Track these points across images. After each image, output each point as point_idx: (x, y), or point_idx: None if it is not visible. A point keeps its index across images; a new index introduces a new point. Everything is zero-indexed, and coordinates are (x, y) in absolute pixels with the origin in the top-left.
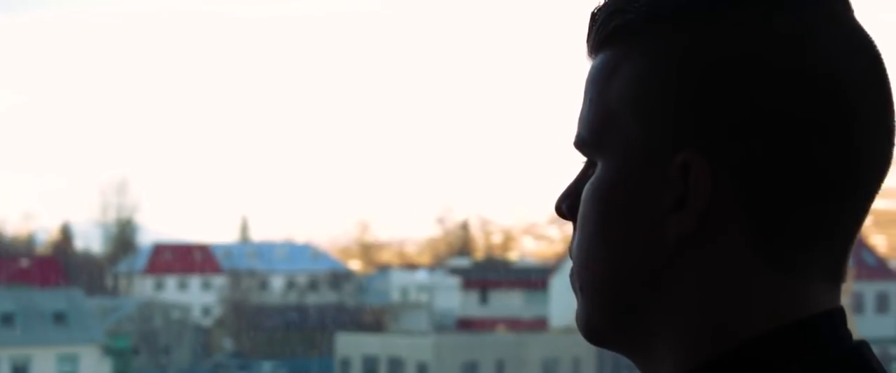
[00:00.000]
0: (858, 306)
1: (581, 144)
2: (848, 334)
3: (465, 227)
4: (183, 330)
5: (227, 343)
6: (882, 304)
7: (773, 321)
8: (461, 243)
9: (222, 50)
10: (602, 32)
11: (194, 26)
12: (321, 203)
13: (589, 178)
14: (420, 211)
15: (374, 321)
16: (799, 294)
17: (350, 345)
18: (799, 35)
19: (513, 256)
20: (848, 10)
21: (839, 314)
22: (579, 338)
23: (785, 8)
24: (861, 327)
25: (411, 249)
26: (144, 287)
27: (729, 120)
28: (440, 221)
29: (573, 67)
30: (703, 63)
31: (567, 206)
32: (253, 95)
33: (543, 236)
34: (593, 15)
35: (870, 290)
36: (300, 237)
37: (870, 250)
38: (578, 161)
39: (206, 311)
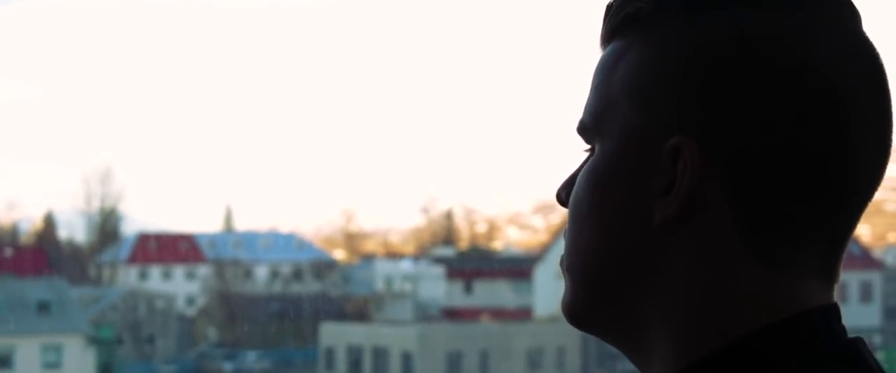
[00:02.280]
0: (842, 296)
1: (582, 129)
2: (843, 329)
3: (449, 216)
4: (167, 320)
5: (212, 333)
6: (866, 293)
7: (767, 316)
8: (445, 233)
9: (207, 40)
10: (612, 22)
11: (179, 16)
12: (305, 193)
13: None
14: (404, 200)
15: (358, 311)
16: (791, 290)
17: (334, 334)
18: (802, 36)
19: (497, 245)
20: (853, 15)
21: (834, 310)
22: (564, 327)
23: (790, 9)
24: (845, 316)
25: (396, 239)
26: (129, 277)
27: (726, 112)
28: (424, 210)
29: (557, 60)
30: (706, 55)
31: (567, 193)
32: (238, 85)
33: (527, 226)
34: (607, 6)
35: (854, 279)
36: (284, 227)
37: (854, 240)
38: (575, 150)
39: (190, 300)
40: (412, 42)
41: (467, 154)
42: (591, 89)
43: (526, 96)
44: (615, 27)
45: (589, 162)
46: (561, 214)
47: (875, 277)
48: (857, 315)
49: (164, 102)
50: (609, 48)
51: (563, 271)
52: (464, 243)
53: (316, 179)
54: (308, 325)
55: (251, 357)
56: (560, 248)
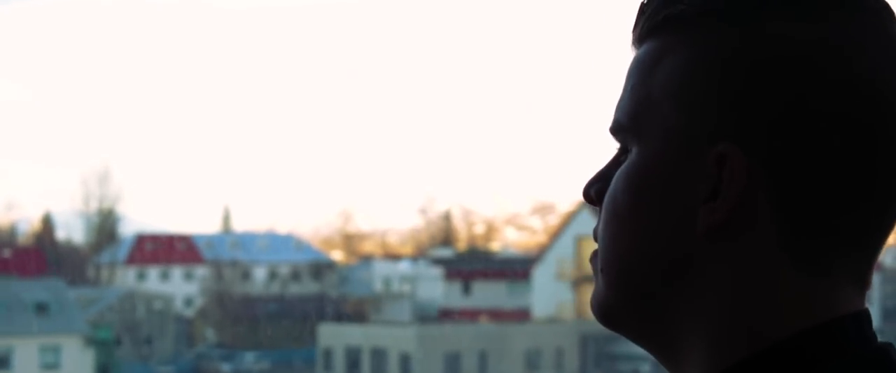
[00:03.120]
0: None
1: (618, 129)
2: (873, 335)
3: (447, 217)
4: (165, 321)
5: (210, 334)
6: None
7: (804, 322)
8: (443, 234)
9: (206, 41)
10: (651, 21)
11: (177, 17)
12: (304, 193)
13: (621, 164)
14: (402, 201)
15: (356, 312)
16: (830, 296)
17: (333, 335)
18: (847, 42)
19: (495, 246)
20: (893, 22)
21: (866, 315)
22: (562, 328)
23: (835, 15)
24: None
25: (394, 240)
26: (127, 278)
27: (771, 118)
28: (422, 211)
29: (554, 61)
30: (752, 60)
31: (596, 190)
32: (235, 86)
33: (525, 227)
34: (643, 5)
35: None
36: (282, 228)
37: None
38: (573, 152)
39: (188, 301)
40: (410, 43)
41: (465, 155)
42: (627, 89)
43: (524, 98)
44: (654, 27)
45: (627, 163)
46: (559, 215)
47: (874, 279)
48: None
49: (162, 102)
50: (645, 48)
51: (594, 270)
52: (462, 244)
53: (314, 179)
54: (306, 326)
55: (249, 358)
56: (558, 249)
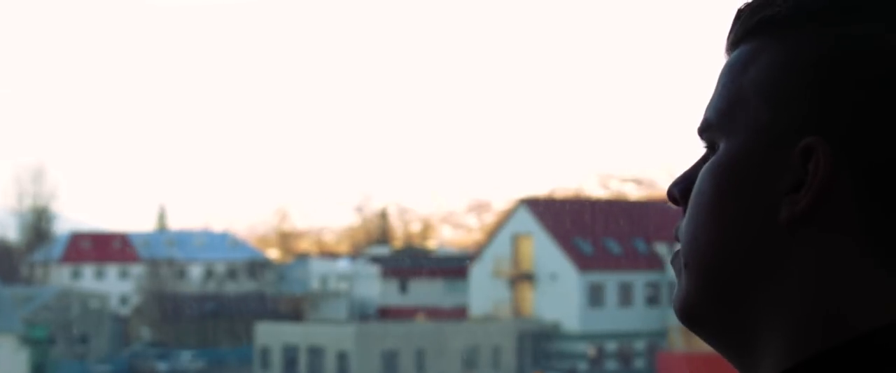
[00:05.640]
0: None
1: (707, 127)
2: None
3: (383, 215)
4: (101, 319)
5: (146, 332)
6: None
7: (885, 314)
8: (380, 232)
9: (139, 37)
10: (746, 25)
11: (112, 13)
12: (239, 191)
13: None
14: (338, 199)
15: (293, 310)
16: None
17: (270, 334)
18: None
19: (431, 244)
20: None
21: None
22: (500, 326)
23: None
24: None
25: (330, 238)
26: (61, 276)
27: (856, 114)
28: (358, 209)
29: (490, 60)
30: (843, 59)
31: (680, 190)
32: (171, 84)
33: (461, 225)
34: (739, 11)
35: None
36: (218, 226)
37: None
38: (509, 150)
39: (123, 300)
40: (346, 41)
41: (401, 153)
42: (718, 89)
43: (458, 96)
44: (748, 30)
45: (714, 158)
46: (495, 213)
47: None
48: None
49: (97, 99)
50: (738, 51)
51: (676, 269)
52: (398, 243)
53: (249, 177)
54: (243, 324)
55: (185, 357)
56: (495, 247)
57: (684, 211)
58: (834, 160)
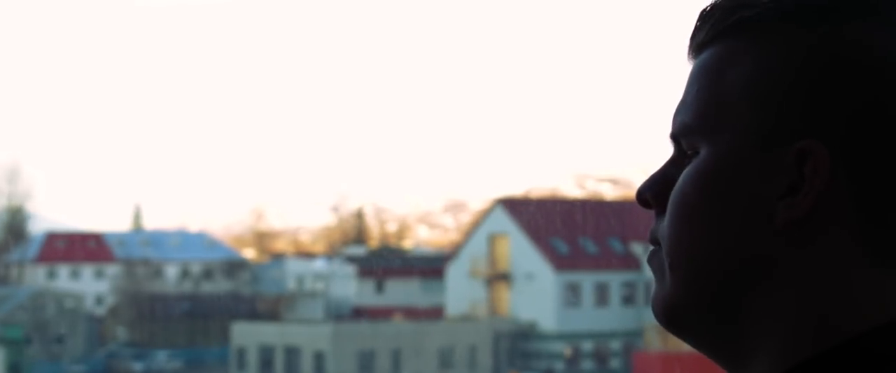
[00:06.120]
0: None
1: (686, 131)
2: None
3: (359, 215)
4: (76, 319)
5: (122, 332)
6: None
7: (882, 316)
8: (356, 232)
9: (117, 37)
10: (719, 26)
11: (88, 12)
12: (215, 191)
13: (679, 167)
14: (314, 199)
15: (269, 310)
16: None
17: (246, 334)
18: None
19: (407, 244)
20: None
21: None
22: (476, 326)
23: None
24: None
25: (306, 238)
26: (37, 276)
27: (850, 116)
28: (335, 209)
29: (465, 61)
30: (828, 60)
31: (653, 193)
32: (147, 84)
33: (438, 225)
34: (706, 13)
35: None
36: (194, 226)
37: None
38: (485, 149)
39: (99, 300)
40: (322, 41)
41: (377, 153)
42: (693, 92)
43: (435, 96)
44: (722, 31)
45: (698, 162)
46: (471, 213)
47: None
48: None
49: (73, 99)
50: (711, 52)
51: (658, 270)
52: (374, 242)
53: (225, 177)
54: (219, 324)
55: (161, 357)
56: (472, 247)
57: (658, 214)
58: (830, 162)
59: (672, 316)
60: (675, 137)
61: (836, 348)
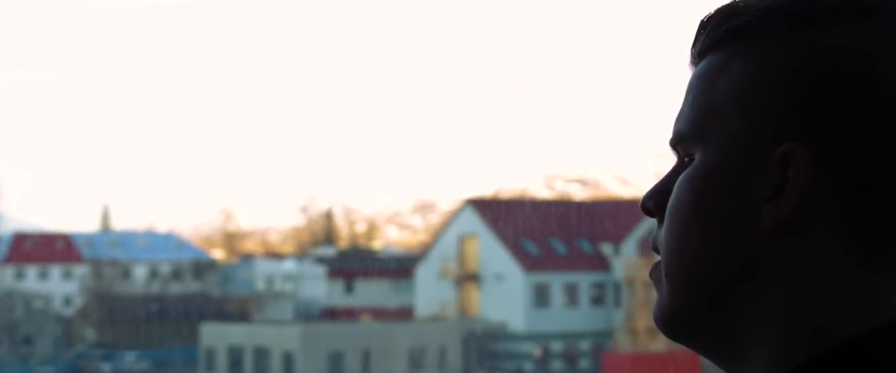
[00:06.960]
0: None
1: (680, 139)
2: None
3: (328, 216)
4: (44, 320)
5: (90, 333)
6: None
7: (871, 320)
8: (325, 232)
9: (86, 37)
10: (713, 35)
11: (56, 12)
12: (183, 191)
13: (679, 175)
14: (283, 200)
15: (238, 311)
16: (893, 293)
17: (215, 335)
18: None
19: (377, 245)
20: None
21: None
22: (445, 326)
23: (891, 23)
24: None
25: (275, 238)
26: (4, 277)
27: (833, 119)
28: (304, 209)
29: (435, 61)
30: (814, 65)
31: (655, 202)
32: (115, 83)
33: (407, 225)
34: (703, 22)
35: None
36: (162, 226)
37: None
38: (453, 150)
39: (67, 301)
40: (292, 42)
41: (346, 154)
42: (689, 100)
43: (403, 96)
44: (715, 41)
45: (690, 168)
46: (440, 213)
47: None
48: None
49: (40, 99)
50: (706, 61)
51: (657, 279)
52: (343, 243)
53: (193, 177)
54: (188, 325)
55: (130, 358)
56: (441, 247)
57: (660, 223)
58: (813, 165)
59: (671, 324)
60: (674, 145)
61: (827, 353)
